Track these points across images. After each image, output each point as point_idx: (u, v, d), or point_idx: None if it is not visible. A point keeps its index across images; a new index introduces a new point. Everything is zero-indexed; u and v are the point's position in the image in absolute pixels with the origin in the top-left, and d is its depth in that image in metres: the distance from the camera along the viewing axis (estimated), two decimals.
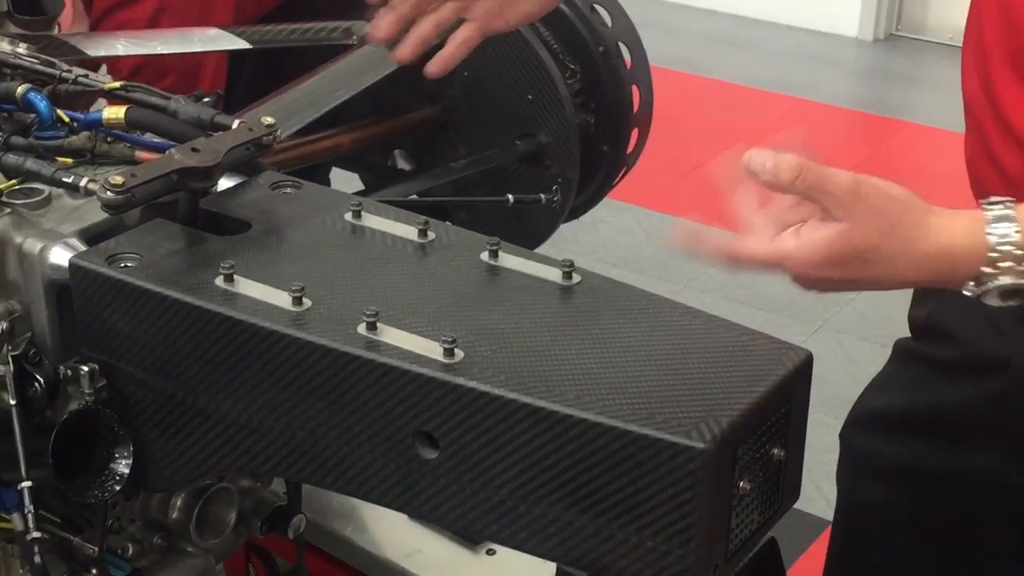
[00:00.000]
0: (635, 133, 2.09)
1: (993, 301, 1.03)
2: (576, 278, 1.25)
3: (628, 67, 2.04)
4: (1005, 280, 1.01)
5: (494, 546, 1.94)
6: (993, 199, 1.03)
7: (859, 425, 1.22)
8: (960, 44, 1.32)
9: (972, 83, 1.22)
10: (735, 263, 1.07)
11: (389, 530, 1.95)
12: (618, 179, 2.14)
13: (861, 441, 1.41)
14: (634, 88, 2.06)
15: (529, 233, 2.00)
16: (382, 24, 1.24)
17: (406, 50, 1.25)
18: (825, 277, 1.04)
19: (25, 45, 1.64)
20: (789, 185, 1.04)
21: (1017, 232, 1.00)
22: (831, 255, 1.03)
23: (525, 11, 1.21)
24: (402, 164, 2.14)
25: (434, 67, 1.25)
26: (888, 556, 1.44)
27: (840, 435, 1.45)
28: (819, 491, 2.68)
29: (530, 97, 1.95)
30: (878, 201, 1.03)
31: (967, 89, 1.24)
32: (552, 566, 1.74)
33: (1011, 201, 1.02)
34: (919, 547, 1.41)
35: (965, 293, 1.04)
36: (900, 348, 1.44)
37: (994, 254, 1.01)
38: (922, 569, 1.43)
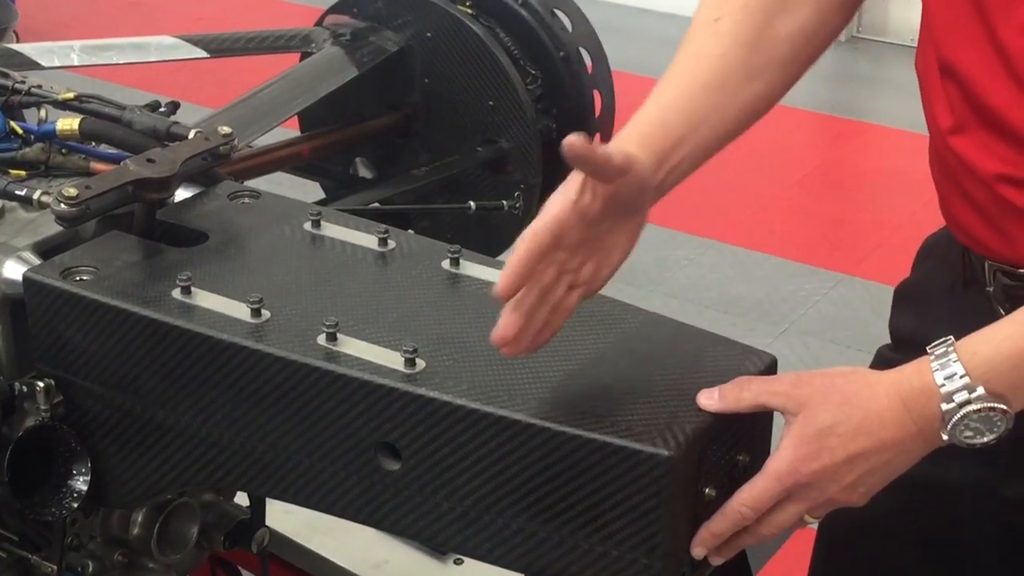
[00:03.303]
0: (597, 138, 2.08)
1: (978, 438, 1.05)
2: None
3: (589, 72, 2.03)
4: (969, 408, 1.03)
5: (462, 556, 1.93)
6: (936, 342, 1.06)
7: None
8: None
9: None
10: (756, 512, 1.08)
11: (355, 541, 1.93)
12: None
13: None
14: (596, 93, 2.05)
15: (492, 240, 1.99)
16: (511, 324, 1.09)
17: (531, 345, 1.11)
18: (819, 469, 1.06)
19: None
20: (738, 402, 1.08)
21: (956, 361, 1.04)
22: (805, 442, 1.05)
23: (617, 258, 1.15)
24: (363, 172, 2.13)
25: (536, 345, 1.12)
26: (873, 567, 1.43)
27: None
28: None
29: (491, 103, 1.95)
30: (822, 382, 1.07)
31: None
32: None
33: (951, 339, 1.06)
34: (905, 558, 1.40)
35: (944, 438, 1.06)
36: (883, 358, 1.43)
37: (945, 387, 1.04)
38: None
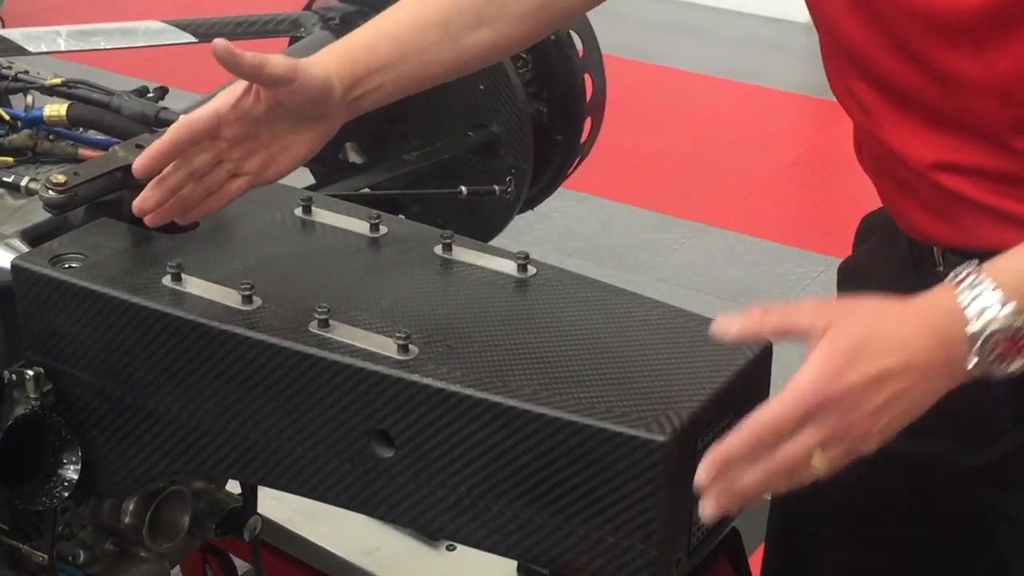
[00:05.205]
0: (588, 122, 2.07)
1: (1012, 364, 1.01)
2: (531, 270, 1.23)
3: (580, 56, 2.02)
4: (995, 327, 1.00)
5: (455, 543, 1.92)
6: (959, 267, 1.02)
7: None
8: None
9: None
10: (775, 433, 0.99)
11: (347, 527, 1.93)
12: (572, 169, 2.12)
13: None
14: (587, 77, 2.04)
15: (484, 225, 1.98)
16: (148, 198, 1.18)
17: (159, 217, 1.20)
18: (846, 388, 0.98)
19: None
20: (760, 329, 1.03)
21: (982, 282, 1.00)
22: (833, 357, 0.99)
23: (297, 155, 1.21)
24: (353, 157, 2.12)
25: (190, 217, 1.21)
26: (834, 542, 1.43)
27: None
28: None
29: (482, 87, 1.93)
30: (849, 302, 1.03)
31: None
32: (512, 561, 1.74)
33: (975, 262, 1.02)
34: (869, 530, 1.40)
35: (971, 364, 1.01)
36: None
37: (972, 306, 1.00)
38: (871, 552, 1.42)
